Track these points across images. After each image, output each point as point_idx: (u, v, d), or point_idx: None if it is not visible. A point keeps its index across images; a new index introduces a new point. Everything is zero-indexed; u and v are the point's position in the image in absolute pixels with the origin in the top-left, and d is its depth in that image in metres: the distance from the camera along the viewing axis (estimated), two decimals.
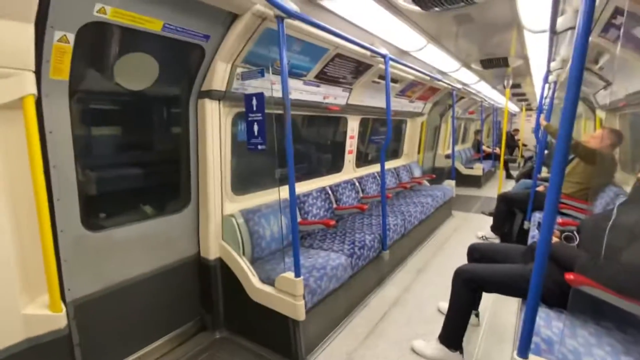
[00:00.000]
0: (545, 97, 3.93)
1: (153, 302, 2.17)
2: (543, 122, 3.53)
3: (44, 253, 1.41)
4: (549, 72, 3.35)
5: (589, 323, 1.61)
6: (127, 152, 2.30)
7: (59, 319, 1.48)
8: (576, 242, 1.93)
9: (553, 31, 2.21)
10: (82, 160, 1.81)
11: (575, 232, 1.98)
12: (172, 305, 2.28)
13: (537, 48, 3.32)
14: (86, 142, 1.99)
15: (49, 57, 1.48)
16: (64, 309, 1.50)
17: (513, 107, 11.62)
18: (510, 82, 5.64)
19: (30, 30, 1.31)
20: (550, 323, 1.62)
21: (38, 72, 1.43)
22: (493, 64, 4.28)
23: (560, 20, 2.09)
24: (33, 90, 1.33)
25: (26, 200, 1.41)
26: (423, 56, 3.57)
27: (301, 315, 1.98)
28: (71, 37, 1.50)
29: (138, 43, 1.83)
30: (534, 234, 2.87)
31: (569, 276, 1.66)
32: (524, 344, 1.26)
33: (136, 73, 1.92)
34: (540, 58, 3.65)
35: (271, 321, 2.10)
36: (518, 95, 8.64)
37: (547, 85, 3.62)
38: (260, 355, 2.18)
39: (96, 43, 1.69)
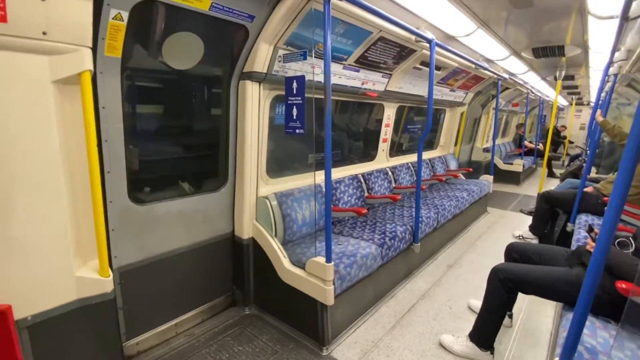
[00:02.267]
0: (604, 91, 3.60)
1: (189, 275, 2.27)
2: (599, 118, 3.25)
3: (95, 221, 1.50)
4: (611, 62, 3.06)
5: (638, 336, 1.50)
6: (169, 130, 2.37)
7: (106, 284, 1.58)
8: (631, 250, 1.79)
9: (624, 17, 2.00)
10: (130, 137, 1.89)
11: (630, 239, 1.83)
12: (206, 280, 2.38)
13: (600, 36, 3.03)
14: (134, 119, 2.07)
15: (104, 35, 1.53)
16: (111, 275, 1.60)
17: (562, 101, 10.83)
18: (563, 73, 5.22)
19: (89, 7, 1.36)
20: (595, 332, 1.53)
21: (94, 49, 1.49)
22: (547, 53, 3.96)
23: (635, 5, 1.88)
24: (90, 66, 1.39)
25: (80, 171, 1.50)
26: (470, 42, 3.37)
27: (330, 300, 2.00)
28: (125, 15, 1.54)
29: (186, 22, 1.85)
30: (579, 237, 2.70)
31: (621, 285, 1.55)
32: (568, 352, 1.19)
33: (182, 52, 1.95)
34: (602, 47, 3.34)
35: (300, 303, 2.14)
36: (569, 88, 8.01)
37: (606, 78, 3.32)
38: (287, 334, 2.24)
39: (147, 21, 1.73)
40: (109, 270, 1.59)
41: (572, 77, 6.37)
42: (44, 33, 1.28)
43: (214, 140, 2.37)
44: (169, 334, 2.20)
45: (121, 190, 1.85)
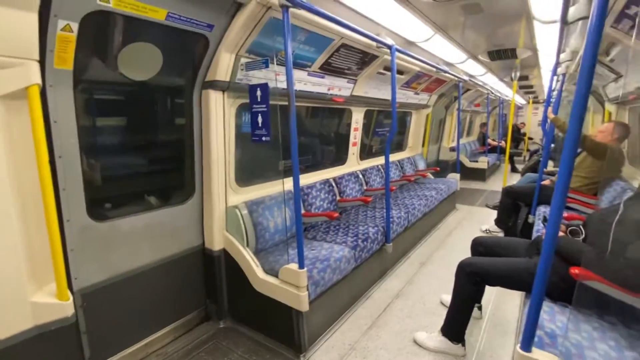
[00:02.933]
0: (554, 90, 3.86)
1: (158, 291, 2.19)
2: (551, 115, 3.47)
3: (51, 242, 1.42)
4: (558, 63, 3.28)
5: (593, 318, 1.61)
6: (131, 143, 2.29)
7: (66, 307, 1.50)
8: (582, 237, 1.92)
9: (564, 21, 2.16)
10: (87, 151, 1.82)
11: (581, 227, 1.96)
12: (177, 295, 2.31)
13: (546, 39, 3.26)
14: (91, 132, 1.99)
15: (52, 47, 1.47)
16: (71, 298, 1.52)
17: (520, 100, 11.47)
18: (518, 74, 5.55)
19: (34, 19, 1.30)
20: (554, 317, 1.61)
21: (42, 62, 1.43)
22: (501, 56, 4.21)
23: (571, 10, 2.04)
24: (38, 80, 1.33)
25: (32, 190, 1.42)
26: (430, 47, 3.51)
27: (304, 306, 2.00)
28: (75, 26, 1.48)
29: (141, 32, 1.81)
30: (538, 228, 2.86)
31: (574, 270, 1.65)
32: (528, 338, 1.26)
33: (140, 63, 1.91)
34: (550, 49, 3.58)
35: (275, 311, 2.12)
36: (525, 87, 8.51)
37: (555, 78, 3.56)
38: (263, 344, 2.21)
39: (100, 32, 1.68)
40: (69, 292, 1.51)
41: (526, 78, 6.78)
42: None
43: (179, 151, 2.32)
44: (139, 355, 2.10)
45: (79, 208, 1.76)
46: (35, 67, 1.34)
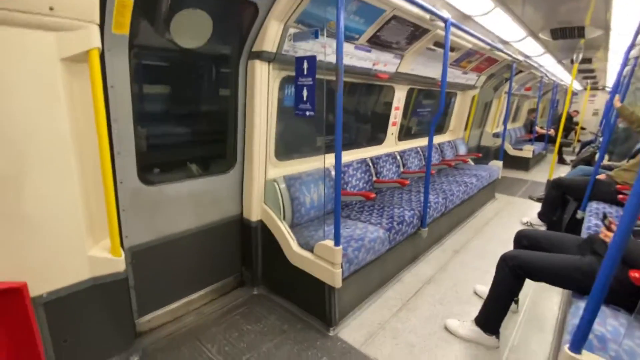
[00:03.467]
0: (624, 76, 3.47)
1: (198, 255, 2.30)
2: (617, 103, 3.15)
3: (107, 201, 1.50)
4: (633, 45, 2.93)
5: None
6: (177, 111, 2.35)
7: (118, 263, 1.61)
8: None
9: None
10: (139, 117, 1.87)
11: None
12: (215, 260, 2.41)
13: (624, 15, 2.90)
14: (142, 98, 2.05)
15: (112, 11, 1.49)
16: (123, 254, 1.62)
17: (576, 86, 10.52)
18: (581, 56, 5.04)
19: None
20: (605, 320, 1.52)
21: (102, 26, 1.45)
22: (566, 34, 3.81)
23: None
24: (98, 43, 1.36)
25: (90, 151, 1.49)
26: (486, 22, 3.24)
27: (338, 283, 2.02)
28: None
29: None
30: (590, 225, 2.66)
31: (635, 274, 1.53)
32: (579, 340, 1.19)
33: (191, 30, 1.90)
34: (625, 28, 3.20)
35: (307, 284, 2.16)
36: (585, 71, 7.76)
37: (626, 61, 3.19)
38: (294, 314, 2.28)
39: None
40: (121, 249, 1.61)
41: (589, 61, 6.16)
42: (51, 8, 1.24)
43: (223, 122, 2.35)
44: (179, 312, 2.25)
45: (131, 171, 1.85)
46: (96, 30, 1.36)
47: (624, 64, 3.21)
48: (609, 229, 1.84)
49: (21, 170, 1.32)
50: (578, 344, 1.20)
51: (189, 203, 2.17)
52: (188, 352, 1.94)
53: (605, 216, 1.92)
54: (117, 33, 1.58)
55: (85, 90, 1.42)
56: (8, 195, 1.31)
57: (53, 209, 1.43)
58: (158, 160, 2.15)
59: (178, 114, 2.33)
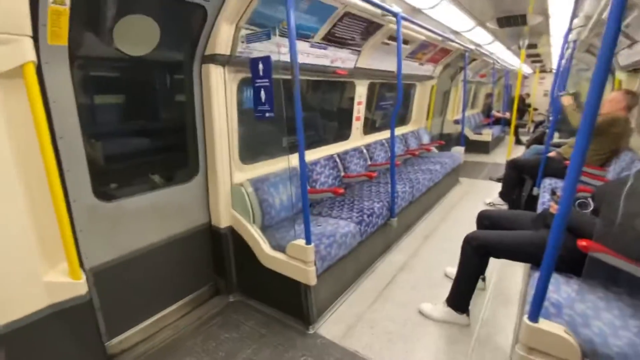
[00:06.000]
0: (564, 58, 3.73)
1: (168, 268, 2.23)
2: (568, 101, 3.37)
3: (60, 222, 1.43)
4: (570, 30, 3.15)
5: (598, 288, 1.62)
6: (132, 121, 2.26)
7: (79, 286, 1.53)
8: (590, 209, 1.91)
9: None
10: (88, 130, 1.78)
11: (589, 199, 1.95)
12: (186, 271, 2.35)
13: (560, 3, 3.10)
14: (91, 111, 1.95)
15: (45, 21, 1.40)
16: (84, 276, 1.54)
17: (526, 69, 11.15)
18: (527, 42, 5.36)
19: None
20: (559, 288, 1.64)
21: (36, 38, 1.37)
22: (510, 22, 4.04)
23: None
24: (32, 57, 1.28)
25: (36, 171, 1.41)
26: (437, 14, 3.37)
27: (312, 281, 2.03)
28: None
29: (137, 4, 1.73)
30: (544, 201, 2.85)
31: (582, 243, 1.65)
32: (535, 309, 1.28)
33: (136, 37, 1.83)
34: (562, 14, 3.43)
35: (283, 285, 2.16)
36: (533, 56, 8.26)
37: (566, 45, 3.43)
38: (272, 317, 2.27)
39: (93, 5, 1.60)
40: (81, 271, 1.54)
41: (535, 46, 6.56)
42: None
43: (181, 129, 2.28)
44: (152, 329, 2.17)
45: (85, 188, 1.75)
46: (29, 43, 1.28)
47: (564, 48, 3.44)
48: (557, 202, 1.98)
49: None
50: (535, 313, 1.29)
51: (152, 216, 2.10)
52: None
53: (553, 192, 2.06)
54: (55, 44, 1.48)
55: (24, 107, 1.33)
56: None
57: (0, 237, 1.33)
58: (115, 174, 2.06)
59: (132, 124, 2.24)
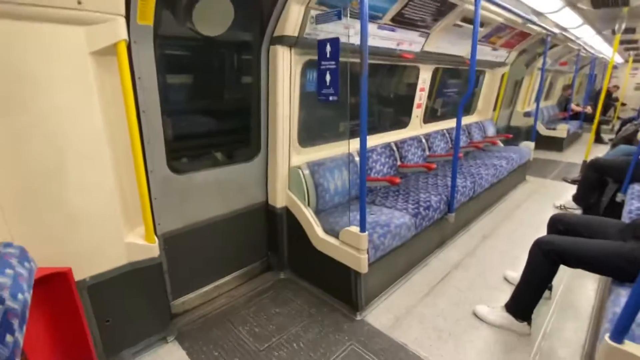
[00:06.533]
0: None
1: (227, 241, 2.36)
2: None
3: (140, 190, 1.56)
4: None
5: None
6: (201, 100, 2.37)
7: (153, 249, 1.68)
8: None
9: None
10: (165, 107, 1.90)
11: None
12: (243, 246, 2.47)
13: None
14: (167, 89, 2.07)
15: (136, 2, 1.50)
16: (157, 241, 1.69)
17: (617, 58, 9.74)
18: (624, 25, 4.63)
19: None
20: None
21: (127, 18, 1.47)
22: (609, 3, 3.50)
23: None
24: (125, 35, 1.38)
25: (122, 142, 1.54)
26: None
27: (364, 268, 2.02)
28: None
29: None
30: (631, 209, 2.51)
31: None
32: (621, 329, 1.14)
33: (213, 17, 1.89)
34: None
35: (333, 270, 2.18)
36: (628, 42, 7.16)
37: None
38: (321, 298, 2.31)
39: None
40: (154, 236, 1.68)
41: (632, 31, 5.65)
42: (79, 2, 1.27)
43: (246, 110, 2.35)
44: (211, 295, 2.34)
45: (161, 160, 1.90)
46: (122, 22, 1.38)
47: None
48: None
49: (62, 163, 1.39)
50: (620, 333, 1.15)
51: (216, 191, 2.22)
52: (220, 333, 2.02)
53: None
54: (142, 24, 1.59)
55: (114, 82, 1.46)
56: (52, 188, 1.39)
57: (92, 199, 1.50)
58: (185, 149, 2.20)
59: (202, 103, 2.35)
